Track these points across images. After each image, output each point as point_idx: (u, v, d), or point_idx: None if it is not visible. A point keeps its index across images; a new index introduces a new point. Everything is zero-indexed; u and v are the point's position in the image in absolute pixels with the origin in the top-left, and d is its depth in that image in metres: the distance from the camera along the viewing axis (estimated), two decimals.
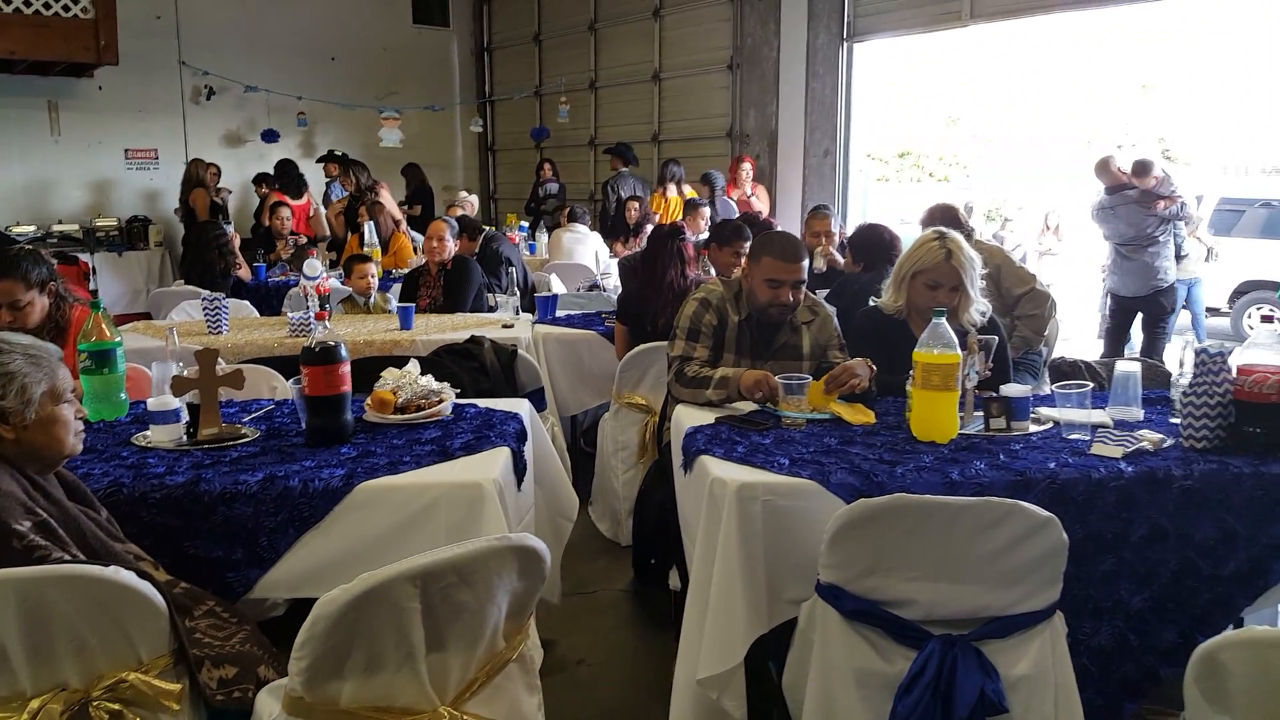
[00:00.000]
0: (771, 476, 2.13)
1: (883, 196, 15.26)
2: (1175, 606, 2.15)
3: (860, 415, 2.54)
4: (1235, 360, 2.23)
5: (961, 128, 27.77)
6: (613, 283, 6.26)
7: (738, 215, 6.67)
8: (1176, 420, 2.31)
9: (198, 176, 8.31)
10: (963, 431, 2.37)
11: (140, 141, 10.10)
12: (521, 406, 2.67)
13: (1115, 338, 6.18)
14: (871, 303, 3.14)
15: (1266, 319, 2.22)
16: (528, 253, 7.87)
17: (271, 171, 9.04)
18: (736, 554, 2.07)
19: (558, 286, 6.17)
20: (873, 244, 4.30)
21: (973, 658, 1.86)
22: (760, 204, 8.31)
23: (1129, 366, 2.51)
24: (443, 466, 2.17)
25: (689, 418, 2.60)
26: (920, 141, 26.29)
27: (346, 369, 2.29)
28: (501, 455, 2.25)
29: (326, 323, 2.27)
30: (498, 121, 12.42)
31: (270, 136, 10.65)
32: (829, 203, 8.27)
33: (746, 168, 8.41)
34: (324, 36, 10.97)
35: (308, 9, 10.82)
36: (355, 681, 1.55)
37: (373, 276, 4.77)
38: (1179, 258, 5.96)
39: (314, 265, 4.47)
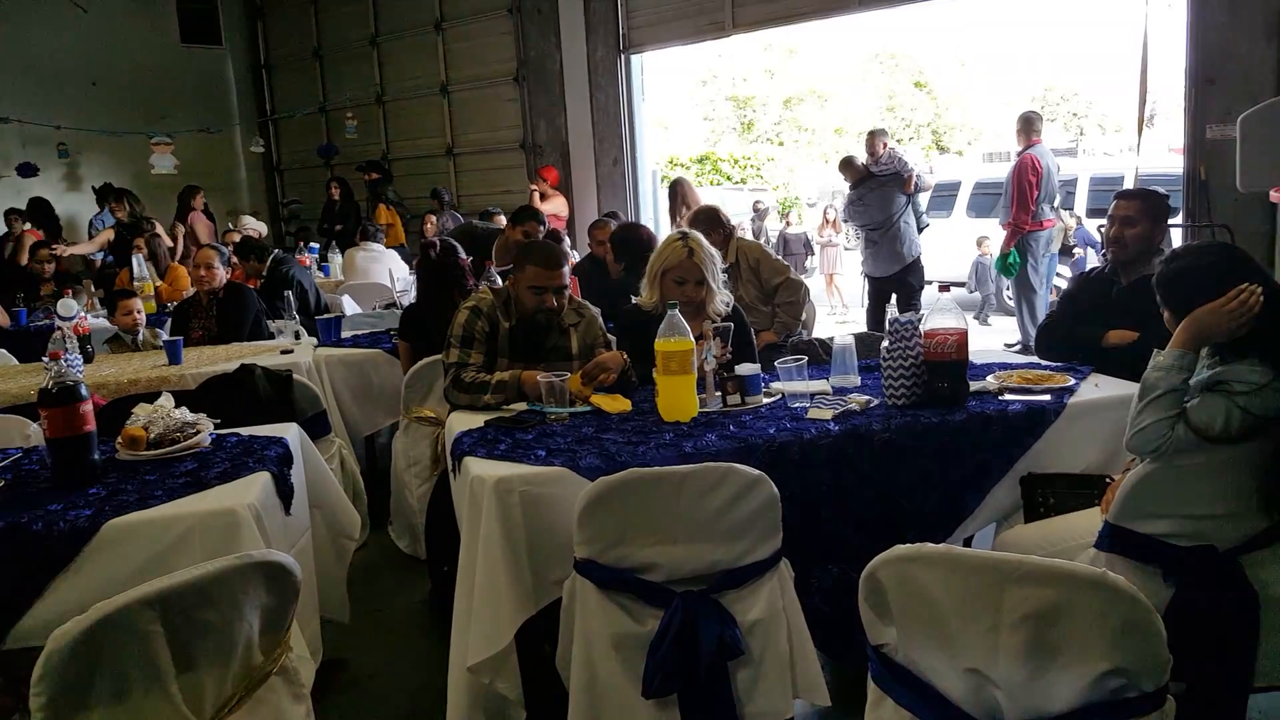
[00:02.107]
0: (528, 468, 2.26)
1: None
2: (888, 544, 2.43)
3: (618, 404, 2.73)
4: (925, 325, 2.56)
5: (755, 131, 29.22)
6: (410, 299, 6.24)
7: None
8: (883, 383, 2.63)
9: None
10: (704, 410, 2.60)
11: None
12: (289, 431, 2.68)
13: (875, 316, 6.76)
14: (633, 300, 3.35)
15: (944, 288, 2.57)
16: (321, 274, 7.70)
17: (25, 208, 8.39)
18: (499, 544, 2.19)
19: (351, 307, 6.08)
20: (631, 244, 4.53)
21: (712, 609, 2.06)
22: (554, 209, 8.47)
23: (845, 340, 2.83)
24: (196, 497, 2.17)
25: (460, 423, 2.70)
26: (718, 146, 27.46)
27: (88, 408, 2.24)
28: (260, 480, 2.27)
29: (63, 361, 2.21)
30: (282, 141, 12.02)
31: (28, 170, 9.84)
32: (621, 209, 8.58)
33: (542, 178, 8.56)
34: (81, 60, 10.25)
35: (60, 31, 10.07)
36: (103, 711, 1.56)
37: (139, 312, 4.56)
38: (920, 229, 6.58)
39: (68, 305, 4.24)
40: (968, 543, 2.73)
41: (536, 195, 8.34)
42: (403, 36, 10.41)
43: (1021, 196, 7.04)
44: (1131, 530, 2.10)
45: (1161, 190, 3.29)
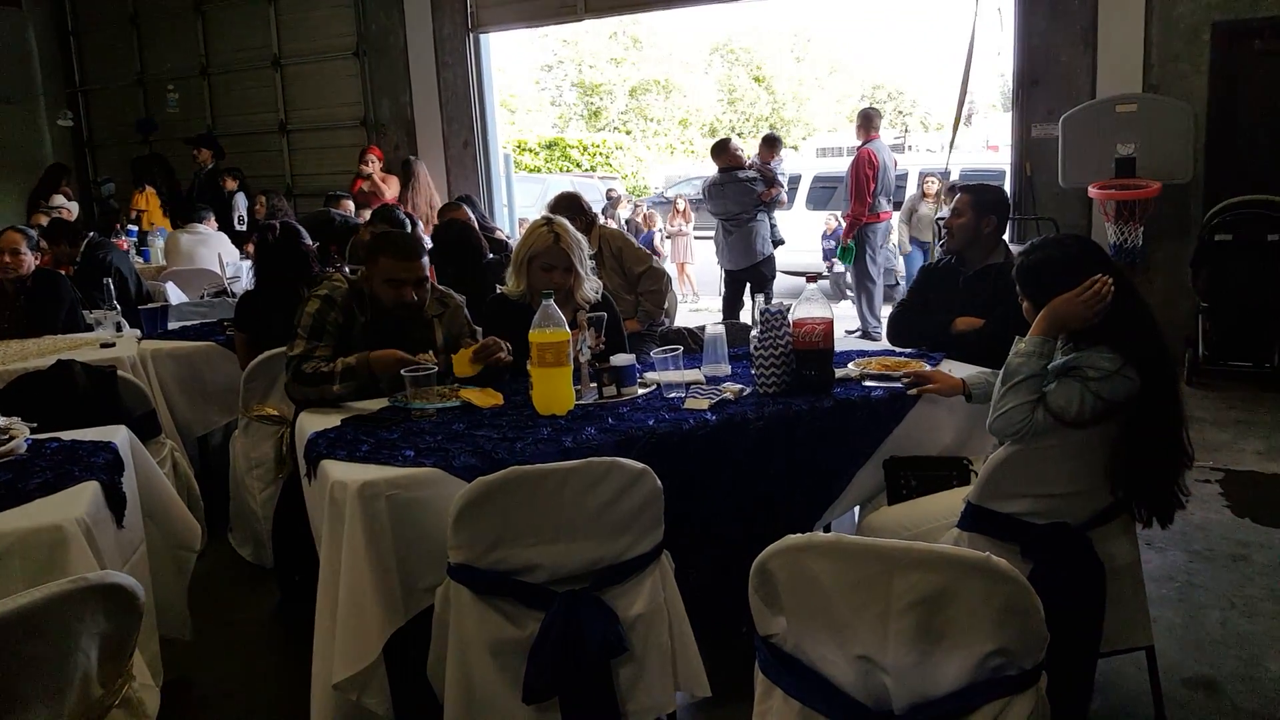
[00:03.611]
0: (395, 470, 2.13)
1: (532, 187, 15.62)
2: (764, 531, 2.42)
3: (489, 398, 2.62)
4: (792, 315, 2.59)
5: (603, 119, 29.25)
6: (242, 286, 5.85)
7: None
8: (754, 371, 2.65)
9: None
10: (580, 402, 2.54)
11: None
12: (117, 434, 2.44)
13: (731, 305, 6.90)
14: (499, 290, 3.24)
15: (811, 278, 2.61)
16: (140, 260, 7.12)
17: None
18: (364, 553, 2.06)
19: (177, 295, 5.65)
20: (457, 244, 4.37)
21: (594, 607, 2.01)
22: (395, 192, 8.13)
23: (716, 330, 2.83)
24: (14, 512, 1.93)
25: (312, 423, 2.53)
26: (566, 133, 27.30)
27: None
28: (88, 490, 2.05)
29: None
30: (94, 114, 11.01)
31: None
32: (474, 193, 8.35)
33: (371, 158, 8.16)
34: None
35: None
36: None
37: None
38: (775, 242, 6.81)
39: None
40: (827, 528, 2.79)
41: (375, 180, 7.92)
42: (231, 5, 9.74)
43: (859, 190, 7.33)
44: (992, 510, 2.19)
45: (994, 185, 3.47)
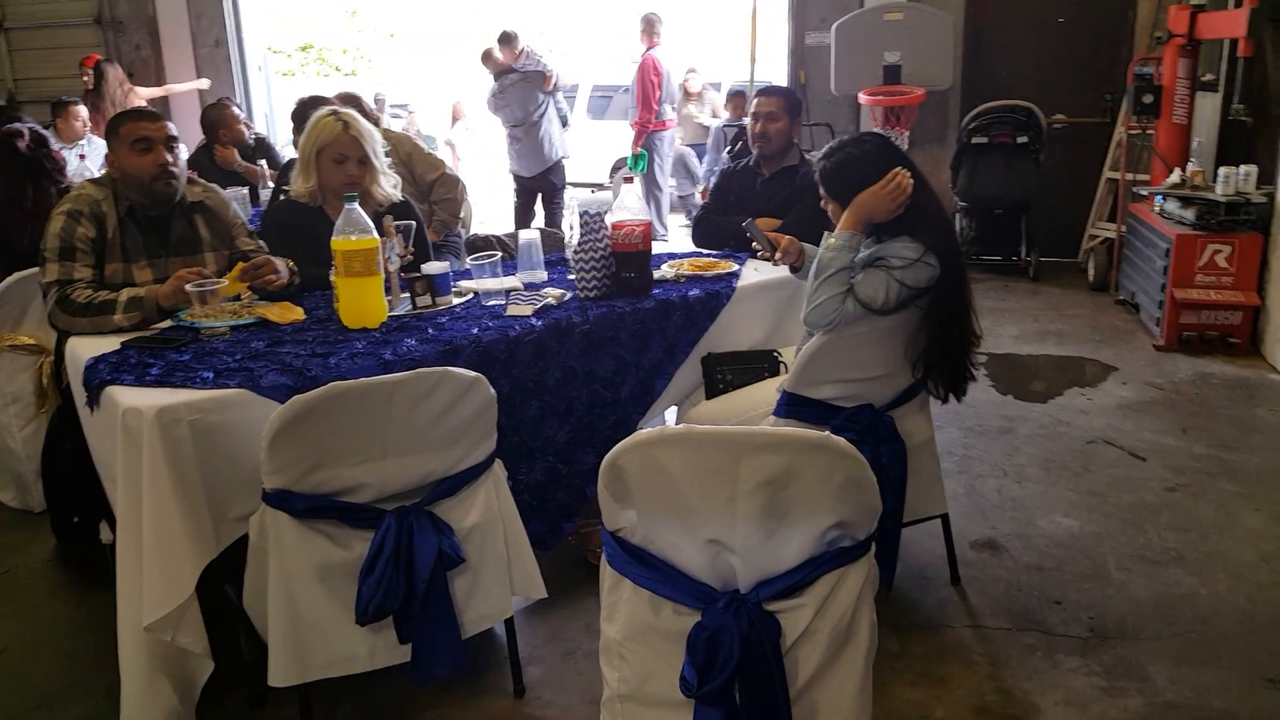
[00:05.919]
0: (195, 394, 1.95)
1: (289, 90, 14.42)
2: (590, 433, 2.49)
3: (289, 314, 2.43)
4: (610, 219, 2.57)
5: (361, 21, 27.27)
6: None
7: None
8: (572, 276, 2.62)
9: None
10: (392, 314, 2.41)
11: None
12: None
13: (522, 214, 6.78)
14: (285, 192, 2.98)
15: (628, 179, 2.59)
16: None
17: None
18: (168, 485, 1.88)
19: None
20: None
21: (427, 521, 1.96)
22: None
23: (530, 235, 2.76)
24: None
25: (85, 348, 2.25)
26: (321, 35, 25.25)
27: None
28: None
29: None
30: None
31: None
32: (230, 95, 7.60)
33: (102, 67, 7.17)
34: None
35: None
36: None
37: None
38: (564, 122, 6.69)
39: None
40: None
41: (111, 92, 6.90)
42: None
43: (645, 97, 7.34)
44: (805, 396, 2.31)
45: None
